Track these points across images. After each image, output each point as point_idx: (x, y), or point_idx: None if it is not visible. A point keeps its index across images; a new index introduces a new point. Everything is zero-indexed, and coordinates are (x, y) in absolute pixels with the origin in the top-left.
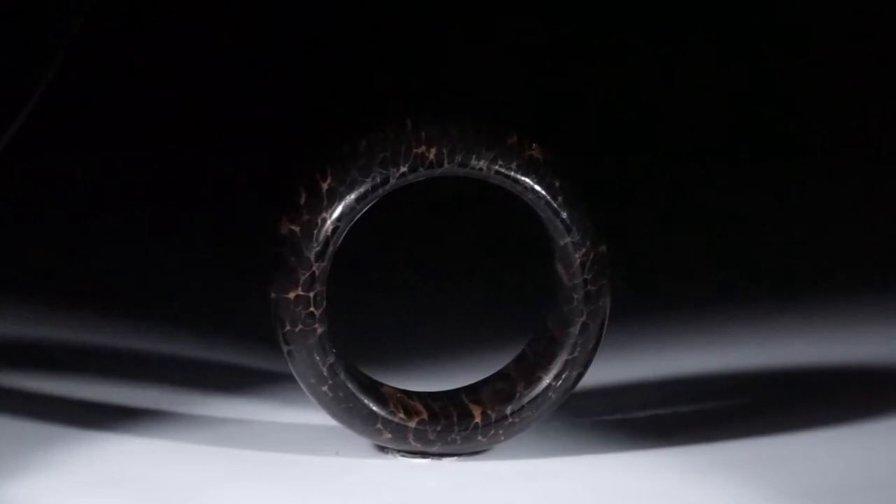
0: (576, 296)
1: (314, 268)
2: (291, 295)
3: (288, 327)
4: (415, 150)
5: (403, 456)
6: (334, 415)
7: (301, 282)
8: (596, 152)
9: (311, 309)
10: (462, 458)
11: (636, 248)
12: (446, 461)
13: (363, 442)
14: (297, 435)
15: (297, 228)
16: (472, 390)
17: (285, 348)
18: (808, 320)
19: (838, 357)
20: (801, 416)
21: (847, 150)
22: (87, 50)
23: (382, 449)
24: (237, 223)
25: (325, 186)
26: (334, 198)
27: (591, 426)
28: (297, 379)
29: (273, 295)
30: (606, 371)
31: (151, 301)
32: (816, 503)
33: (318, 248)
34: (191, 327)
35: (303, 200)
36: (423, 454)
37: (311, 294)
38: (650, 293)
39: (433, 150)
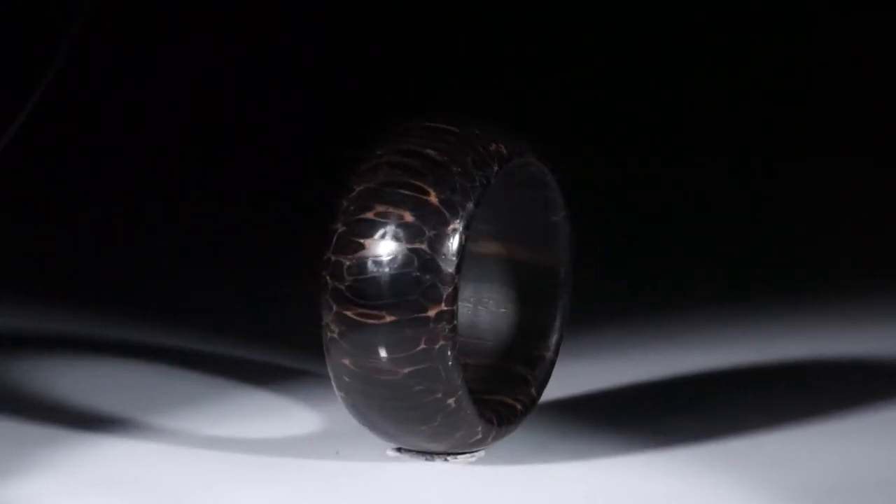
0: None
1: (455, 281)
2: (432, 312)
3: (423, 346)
4: (490, 148)
5: (409, 457)
6: (450, 427)
7: (444, 297)
8: (596, 151)
9: (455, 322)
10: (463, 458)
11: (636, 247)
12: (447, 462)
13: (363, 442)
14: (297, 435)
15: (422, 246)
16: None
17: (413, 368)
18: (809, 319)
19: (839, 356)
20: (801, 415)
21: (847, 149)
22: (87, 50)
23: (398, 450)
24: (237, 223)
25: (434, 200)
26: (453, 208)
27: (592, 427)
28: (416, 395)
29: (396, 318)
30: (606, 371)
31: (151, 301)
32: (817, 503)
33: (457, 261)
34: (191, 327)
35: (412, 218)
36: (433, 455)
37: (454, 308)
38: (650, 293)
39: (502, 146)
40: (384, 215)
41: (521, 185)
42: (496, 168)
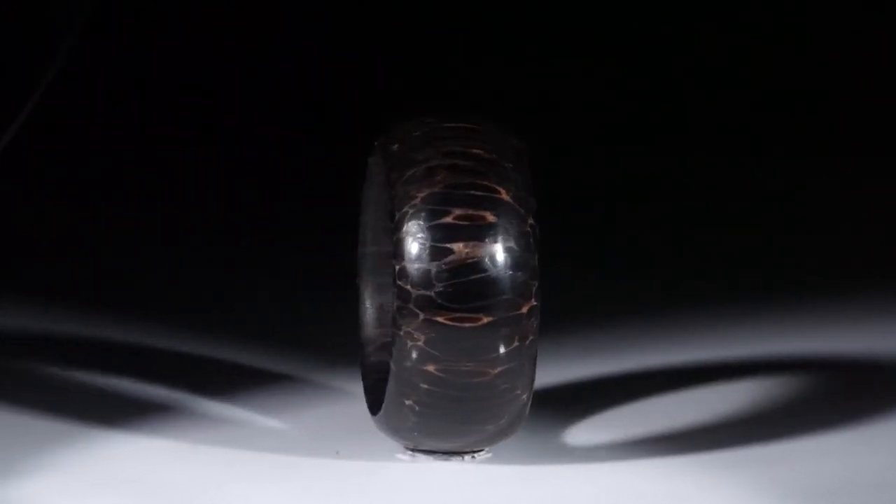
0: None
1: (539, 275)
2: (525, 309)
3: (517, 343)
4: (511, 142)
5: (416, 456)
6: (510, 424)
7: (534, 293)
8: (595, 151)
9: (538, 318)
10: (464, 458)
11: (636, 246)
12: (450, 462)
13: (363, 442)
14: (297, 435)
15: (509, 244)
16: None
17: (503, 367)
18: (810, 318)
19: (840, 356)
20: (801, 415)
21: (847, 147)
22: (87, 50)
23: (410, 449)
24: (237, 223)
25: (507, 197)
26: (523, 202)
27: (591, 427)
28: (500, 394)
29: (493, 318)
30: (606, 371)
31: (152, 300)
32: (817, 503)
33: (538, 255)
34: (192, 327)
35: (493, 218)
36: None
37: (540, 303)
38: (650, 292)
39: (514, 139)
40: (465, 218)
41: None
42: (524, 161)
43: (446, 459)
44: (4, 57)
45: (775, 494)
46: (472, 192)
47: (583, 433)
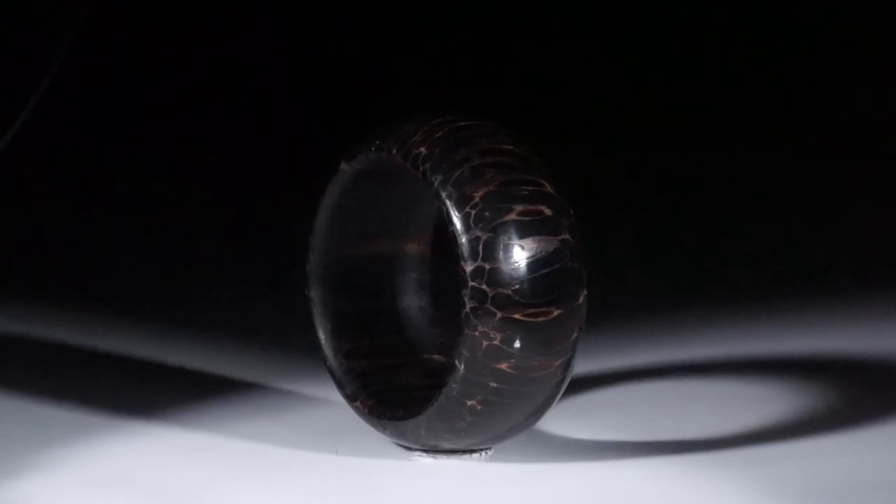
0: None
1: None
2: (581, 299)
3: (576, 334)
4: (528, 139)
5: (420, 455)
6: (542, 414)
7: (586, 282)
8: (595, 150)
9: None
10: (481, 454)
11: (634, 246)
12: (450, 460)
13: (363, 441)
14: (297, 434)
15: (566, 236)
16: None
17: (563, 358)
18: (810, 318)
19: (839, 355)
20: (801, 415)
21: (847, 146)
22: (87, 50)
23: (426, 451)
24: (237, 222)
25: (552, 190)
26: (563, 193)
27: (592, 426)
28: (557, 385)
29: (561, 310)
30: (606, 371)
31: (151, 301)
32: (817, 503)
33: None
34: (191, 327)
35: (550, 212)
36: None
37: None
38: (650, 293)
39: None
40: (527, 213)
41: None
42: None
43: (467, 458)
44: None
45: (775, 494)
46: (524, 187)
47: (583, 432)
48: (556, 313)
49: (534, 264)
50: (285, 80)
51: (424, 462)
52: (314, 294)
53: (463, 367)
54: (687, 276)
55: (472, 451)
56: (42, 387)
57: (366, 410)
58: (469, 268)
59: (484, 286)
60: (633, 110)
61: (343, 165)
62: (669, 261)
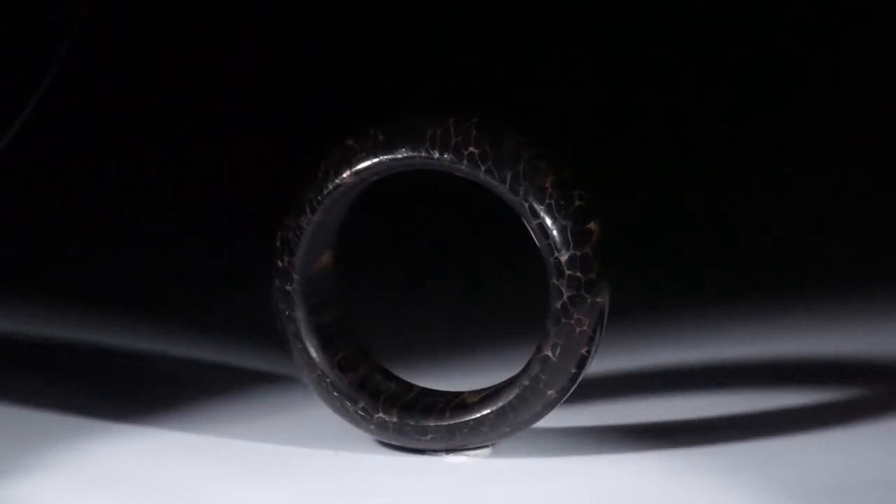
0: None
1: None
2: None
3: (597, 333)
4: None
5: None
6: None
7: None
8: (595, 149)
9: None
10: (466, 456)
11: (636, 246)
12: (450, 459)
13: (363, 441)
14: (297, 434)
15: (597, 227)
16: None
17: (592, 348)
18: (810, 318)
19: (840, 356)
20: (801, 415)
21: (848, 146)
22: (87, 50)
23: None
24: (237, 222)
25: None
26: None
27: (593, 426)
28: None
29: (612, 289)
30: (607, 371)
31: (151, 300)
32: (816, 503)
33: None
34: (191, 327)
35: (587, 196)
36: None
37: None
38: (650, 292)
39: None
40: (581, 199)
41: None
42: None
43: (476, 455)
44: (4, 57)
45: (773, 493)
46: (563, 175)
47: (583, 431)
48: (610, 293)
49: (601, 246)
50: (285, 80)
51: (452, 461)
52: (298, 314)
53: (557, 356)
54: (687, 277)
55: (472, 449)
56: (42, 387)
57: (394, 420)
58: (564, 257)
59: (578, 273)
60: (633, 110)
61: (347, 178)
62: (669, 261)
